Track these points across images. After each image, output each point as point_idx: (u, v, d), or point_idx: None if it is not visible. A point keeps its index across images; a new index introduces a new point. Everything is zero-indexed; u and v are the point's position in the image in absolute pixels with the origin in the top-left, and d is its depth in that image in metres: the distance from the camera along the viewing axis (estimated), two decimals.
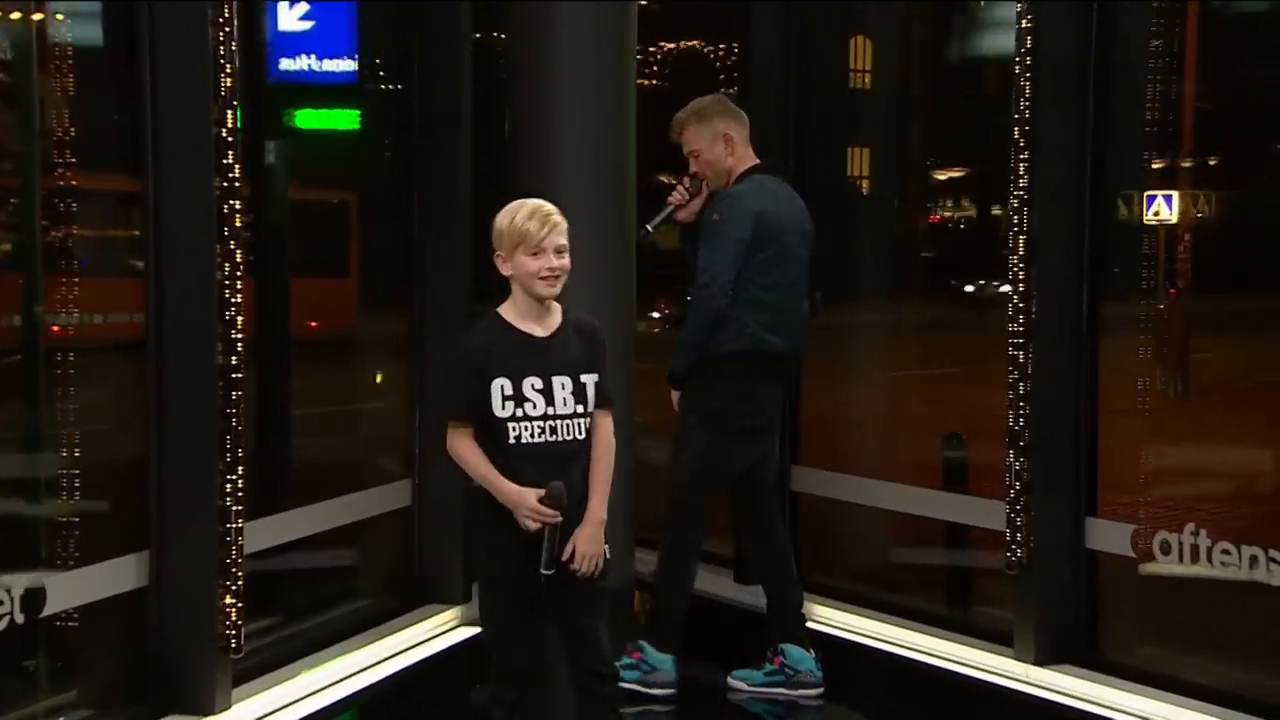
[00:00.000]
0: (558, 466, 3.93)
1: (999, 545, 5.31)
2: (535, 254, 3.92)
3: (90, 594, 4.45)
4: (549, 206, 4.01)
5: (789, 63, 6.67)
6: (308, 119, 6.38)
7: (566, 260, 3.97)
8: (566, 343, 4.01)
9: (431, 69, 6.18)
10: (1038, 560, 5.14)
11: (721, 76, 11.61)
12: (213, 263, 4.48)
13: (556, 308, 4.04)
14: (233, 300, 4.50)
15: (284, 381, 6.18)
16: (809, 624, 5.66)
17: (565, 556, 3.90)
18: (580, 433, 3.98)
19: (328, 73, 6.12)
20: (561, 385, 3.96)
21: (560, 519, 3.86)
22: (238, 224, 4.51)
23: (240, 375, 4.55)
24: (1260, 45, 5.31)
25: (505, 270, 3.98)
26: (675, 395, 5.29)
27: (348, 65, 6.24)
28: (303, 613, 5.89)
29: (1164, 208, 5.51)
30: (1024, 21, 5.08)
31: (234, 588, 4.60)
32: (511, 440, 3.93)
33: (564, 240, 3.96)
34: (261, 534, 5.15)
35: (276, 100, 6.13)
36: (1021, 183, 5.08)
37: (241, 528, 4.61)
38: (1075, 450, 5.15)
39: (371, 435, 6.62)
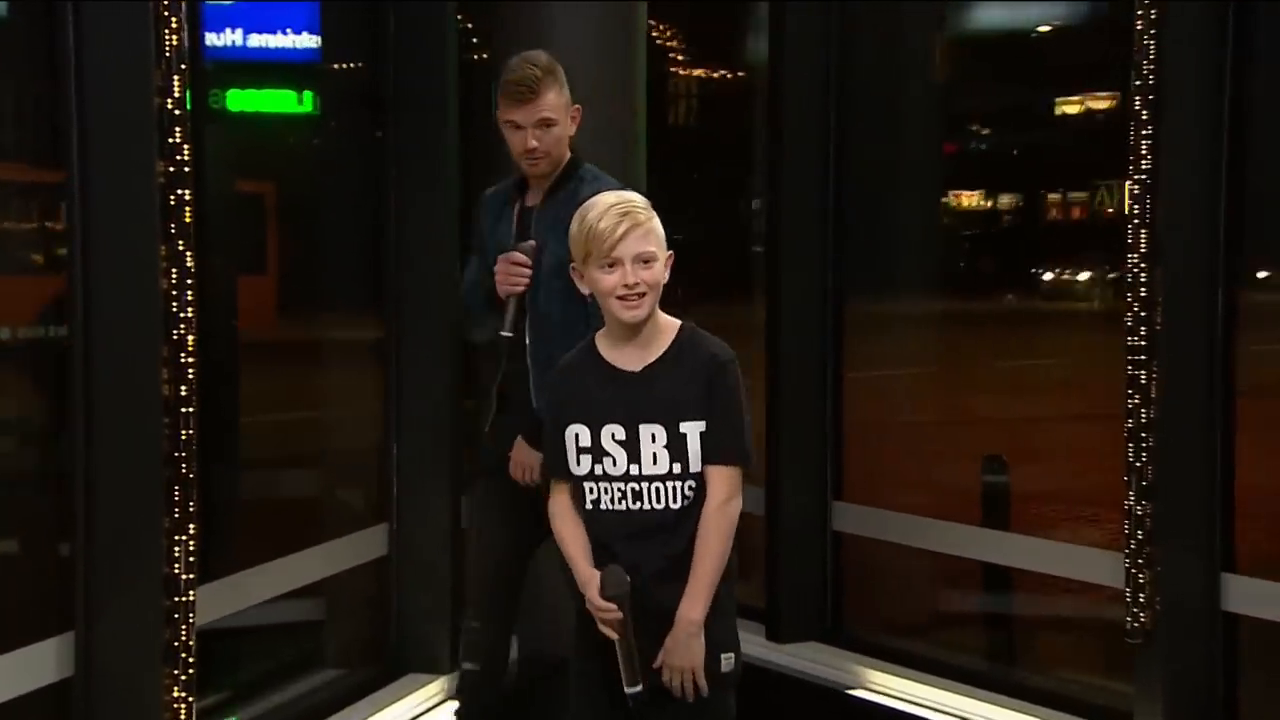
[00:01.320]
0: (641, 544, 3.15)
1: (1104, 600, 4.49)
2: (610, 265, 3.13)
3: None
4: (631, 198, 3.19)
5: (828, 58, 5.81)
6: (235, 100, 5.62)
7: (655, 271, 3.16)
8: (665, 379, 3.18)
9: (408, 44, 5.31)
10: (1165, 626, 4.31)
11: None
12: (156, 268, 3.58)
13: (663, 330, 3.24)
14: (182, 315, 3.60)
15: (228, 404, 5.32)
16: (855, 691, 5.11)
17: (655, 665, 3.12)
18: (676, 500, 3.16)
19: (259, 49, 5.36)
20: (652, 436, 3.15)
21: (620, 616, 3.06)
22: (187, 219, 3.61)
23: (192, 409, 3.66)
24: None
25: (583, 289, 3.21)
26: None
27: (284, 41, 5.47)
28: (257, 689, 5.02)
29: None
30: None
31: (184, 677, 3.70)
32: (589, 504, 3.19)
33: (649, 246, 3.15)
34: (206, 603, 4.24)
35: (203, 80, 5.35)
36: (1144, 164, 4.26)
37: (193, 601, 3.71)
38: (1209, 491, 4.31)
39: (337, 468, 5.73)
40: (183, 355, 3.61)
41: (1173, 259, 4.26)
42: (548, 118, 4.16)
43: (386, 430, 5.36)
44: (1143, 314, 4.27)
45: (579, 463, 3.19)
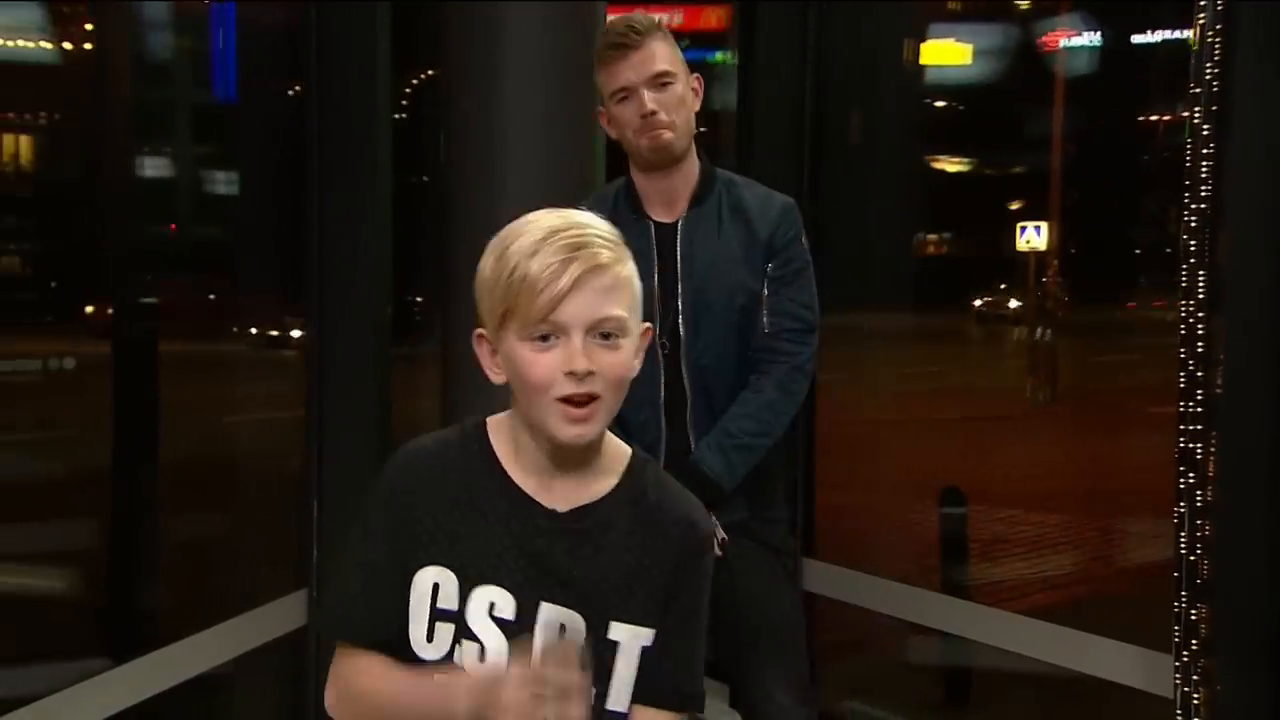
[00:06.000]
0: None
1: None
2: (543, 337, 1.73)
3: None
4: (589, 222, 1.80)
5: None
6: None
7: (624, 356, 1.76)
8: (605, 539, 1.80)
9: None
10: None
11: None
12: None
13: (610, 458, 1.86)
14: None
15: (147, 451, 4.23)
16: None
17: None
18: None
19: None
20: (560, 629, 1.76)
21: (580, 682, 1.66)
22: None
23: None
24: None
25: (494, 372, 1.82)
26: None
27: None
28: None
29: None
30: None
31: None
32: None
33: (617, 309, 1.74)
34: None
35: None
36: (1203, 191, 3.14)
37: None
38: (1273, 591, 3.20)
39: (244, 523, 4.59)
40: None
41: (1239, 306, 3.13)
42: (665, 70, 3.03)
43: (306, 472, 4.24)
44: (1200, 373, 3.15)
45: (430, 639, 1.77)
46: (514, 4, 4.34)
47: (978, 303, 11.37)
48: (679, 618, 1.82)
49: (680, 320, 3.08)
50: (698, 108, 3.12)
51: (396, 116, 5.57)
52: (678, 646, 1.83)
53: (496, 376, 1.81)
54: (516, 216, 4.20)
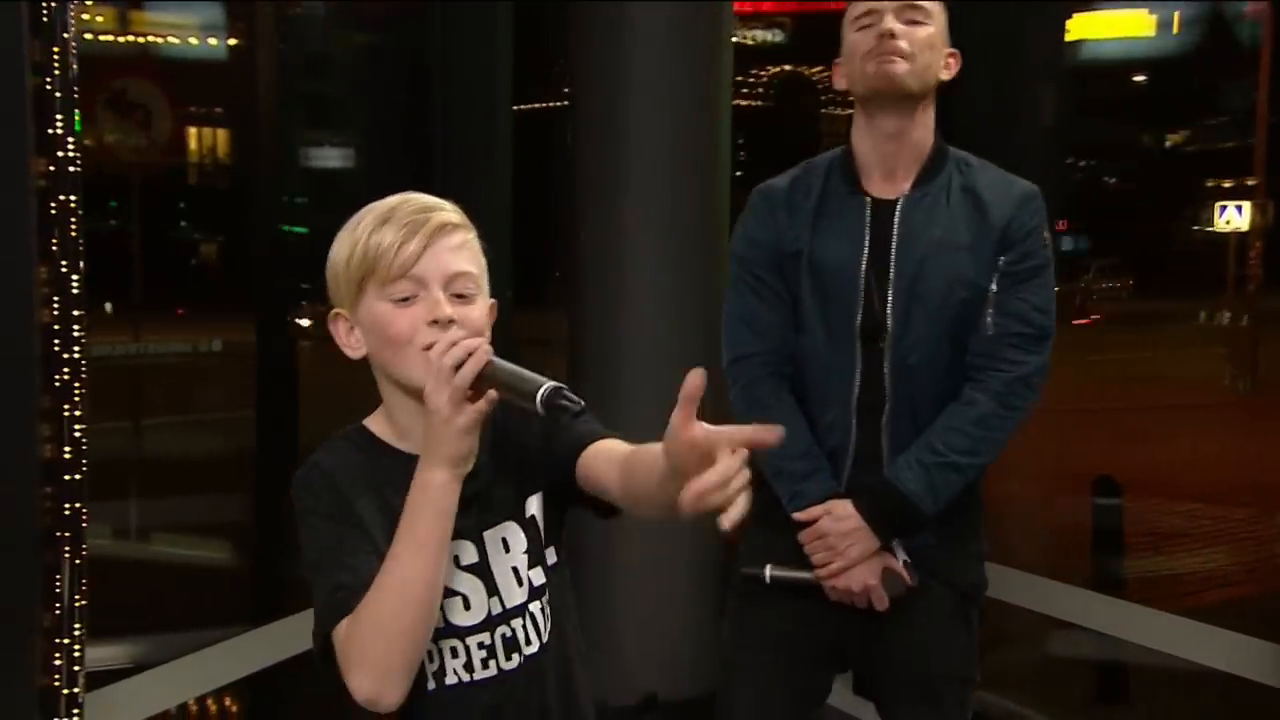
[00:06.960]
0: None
1: None
2: (404, 298, 1.72)
3: None
4: (426, 196, 1.80)
5: None
6: None
7: (478, 310, 1.76)
8: (492, 454, 1.78)
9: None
10: None
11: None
12: (33, 296, 2.49)
13: None
14: (67, 354, 2.51)
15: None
16: None
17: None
18: (544, 632, 1.81)
19: None
20: (502, 543, 1.79)
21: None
22: (74, 232, 2.50)
23: (79, 475, 2.55)
24: None
25: (351, 348, 1.79)
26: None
27: None
28: None
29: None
30: None
31: None
32: (430, 684, 1.75)
33: (469, 266, 1.77)
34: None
35: None
36: None
37: None
38: None
39: None
40: (67, 408, 2.51)
41: None
42: (921, 6, 2.61)
43: None
44: None
45: None
46: (639, 4, 4.32)
47: None
48: (559, 449, 1.80)
49: (888, 310, 2.63)
50: (947, 78, 2.69)
51: (552, 105, 5.53)
52: (571, 430, 1.78)
53: (355, 352, 1.79)
54: (640, 214, 4.25)
